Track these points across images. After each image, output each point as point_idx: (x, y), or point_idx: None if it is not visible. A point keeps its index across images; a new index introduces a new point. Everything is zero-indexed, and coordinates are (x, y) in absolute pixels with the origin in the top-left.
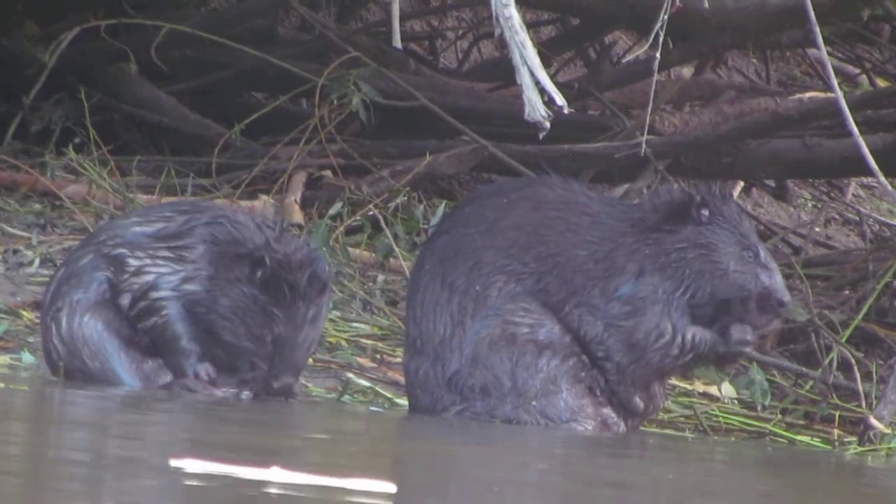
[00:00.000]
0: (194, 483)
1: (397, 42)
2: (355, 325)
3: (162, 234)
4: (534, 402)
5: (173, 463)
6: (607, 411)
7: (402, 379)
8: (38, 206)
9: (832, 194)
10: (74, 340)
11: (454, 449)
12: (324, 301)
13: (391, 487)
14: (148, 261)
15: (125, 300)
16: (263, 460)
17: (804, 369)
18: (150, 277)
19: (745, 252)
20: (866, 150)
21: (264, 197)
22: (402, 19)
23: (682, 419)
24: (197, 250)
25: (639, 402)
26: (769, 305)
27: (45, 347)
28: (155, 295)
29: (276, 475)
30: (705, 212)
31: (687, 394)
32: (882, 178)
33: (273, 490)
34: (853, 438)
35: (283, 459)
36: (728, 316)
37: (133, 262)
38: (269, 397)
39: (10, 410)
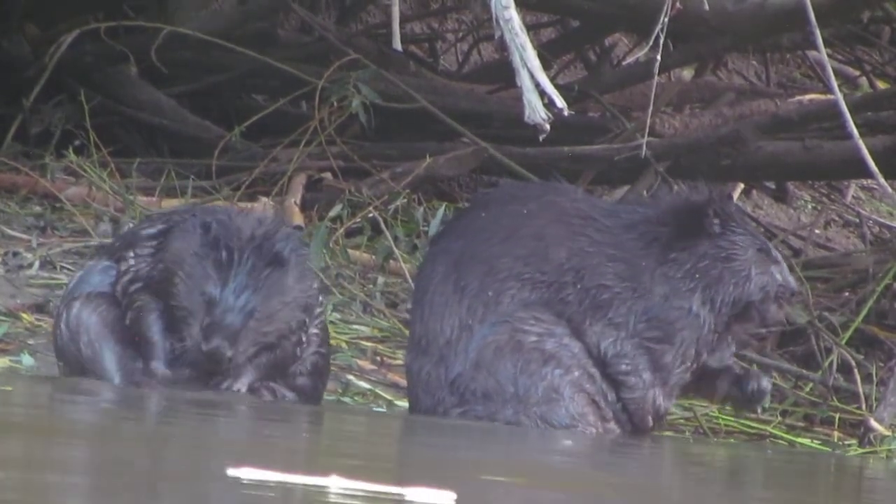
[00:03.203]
0: (254, 493)
1: (397, 44)
2: (355, 327)
3: (155, 234)
4: (535, 408)
5: (230, 472)
6: (611, 426)
7: (402, 381)
8: (38, 209)
9: (832, 196)
10: (78, 326)
11: (502, 458)
12: (279, 276)
13: (451, 497)
14: (133, 262)
15: (120, 299)
16: (319, 468)
17: (804, 371)
18: (130, 275)
19: (759, 252)
20: (866, 152)
21: (264, 199)
22: (402, 21)
23: (682, 421)
24: (169, 238)
25: (650, 420)
26: (784, 299)
27: (53, 333)
28: (132, 288)
29: (336, 484)
30: (717, 221)
31: (687, 396)
32: (882, 180)
33: (334, 499)
34: (853, 441)
35: (335, 468)
36: (744, 321)
37: (122, 266)
38: (204, 366)
39: (32, 417)
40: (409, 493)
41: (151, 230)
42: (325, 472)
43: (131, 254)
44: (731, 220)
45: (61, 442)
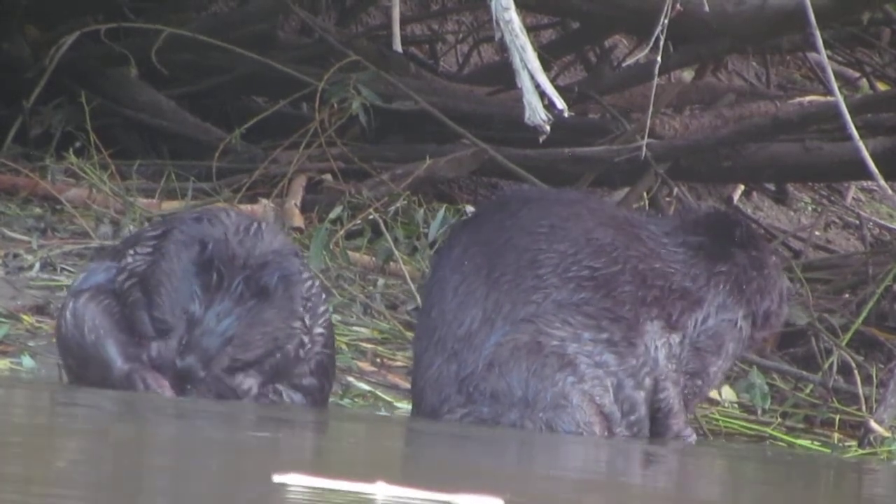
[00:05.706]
0: (300, 499)
1: (397, 46)
2: (355, 328)
3: (157, 235)
4: (541, 414)
5: (276, 479)
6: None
7: (402, 383)
8: (38, 210)
9: (832, 198)
10: (84, 314)
11: (543, 464)
12: (262, 308)
13: (499, 503)
14: (131, 259)
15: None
16: (365, 475)
17: (804, 373)
18: (127, 272)
19: (774, 258)
20: (866, 154)
21: (265, 201)
22: (403, 23)
23: None
24: (168, 240)
25: (681, 424)
26: (791, 299)
27: (56, 325)
28: (127, 284)
29: (382, 490)
30: (741, 231)
31: None
32: (882, 182)
33: None
34: (853, 442)
35: (379, 473)
36: (763, 328)
37: (122, 263)
38: (175, 378)
39: (49, 422)
40: (457, 499)
41: (154, 232)
42: (368, 478)
43: (131, 252)
44: (750, 230)
45: (82, 449)
